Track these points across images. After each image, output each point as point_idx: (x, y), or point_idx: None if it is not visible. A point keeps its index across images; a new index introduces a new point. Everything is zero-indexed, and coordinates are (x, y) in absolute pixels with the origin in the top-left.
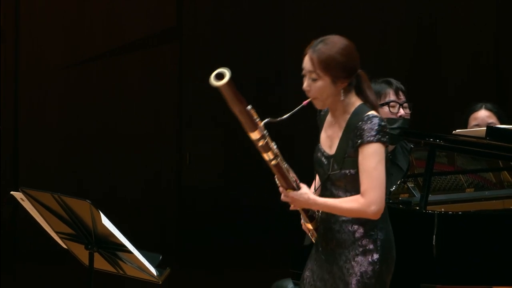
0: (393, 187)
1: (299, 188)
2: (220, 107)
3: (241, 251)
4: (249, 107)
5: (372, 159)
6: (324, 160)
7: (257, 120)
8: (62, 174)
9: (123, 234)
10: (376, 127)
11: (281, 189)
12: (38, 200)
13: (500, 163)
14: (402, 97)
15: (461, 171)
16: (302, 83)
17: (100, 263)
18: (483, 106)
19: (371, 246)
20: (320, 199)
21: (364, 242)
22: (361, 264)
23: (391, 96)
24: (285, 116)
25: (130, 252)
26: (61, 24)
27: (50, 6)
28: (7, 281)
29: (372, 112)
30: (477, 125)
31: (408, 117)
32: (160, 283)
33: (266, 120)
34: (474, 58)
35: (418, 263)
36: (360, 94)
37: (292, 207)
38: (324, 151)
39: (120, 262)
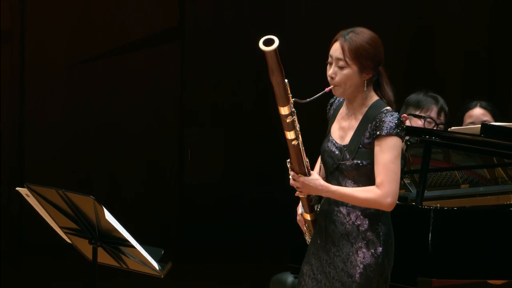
0: None
1: (309, 174)
2: (220, 105)
3: (241, 246)
4: (286, 80)
5: (390, 152)
6: (335, 150)
7: (290, 95)
8: (66, 171)
9: (126, 229)
10: (396, 121)
11: (292, 173)
12: (43, 196)
13: (495, 160)
14: (442, 118)
15: (456, 168)
16: (302, 82)
17: (104, 258)
18: (478, 104)
19: (375, 240)
20: (333, 186)
21: (368, 235)
22: (364, 257)
23: (433, 114)
24: (310, 99)
25: (133, 246)
26: (65, 25)
27: (55, 7)
28: (14, 273)
29: (389, 108)
30: (472, 123)
31: None
32: (162, 277)
33: (294, 99)
34: (467, 58)
35: (415, 257)
36: (378, 89)
37: (298, 193)
38: (336, 142)
39: (123, 257)
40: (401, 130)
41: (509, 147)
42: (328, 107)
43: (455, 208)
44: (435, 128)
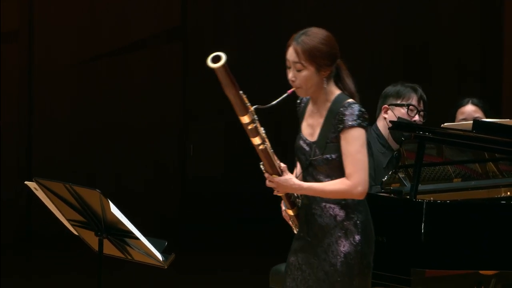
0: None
1: (283, 174)
2: (221, 101)
3: (242, 237)
4: (241, 91)
5: (355, 143)
6: (306, 147)
7: (248, 104)
8: (73, 165)
9: (130, 222)
10: (357, 113)
11: (266, 174)
12: (51, 189)
13: (486, 155)
14: (421, 105)
15: (449, 162)
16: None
17: (109, 249)
18: (470, 101)
19: (352, 228)
20: (305, 184)
21: (345, 224)
22: (344, 246)
23: (414, 101)
24: (272, 103)
25: (137, 238)
26: (72, 25)
27: (62, 8)
28: (22, 264)
29: (351, 100)
30: (464, 119)
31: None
32: (166, 267)
33: (255, 106)
34: (460, 68)
35: (408, 248)
36: (339, 82)
37: (276, 192)
38: (306, 139)
39: (128, 248)
40: (362, 120)
41: (499, 142)
42: (298, 105)
43: (448, 201)
44: (417, 115)
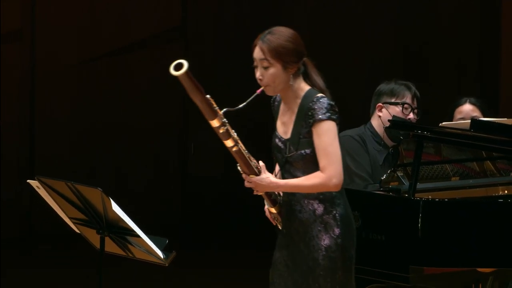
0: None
1: (260, 173)
2: (222, 101)
3: (242, 235)
4: (208, 96)
5: (326, 136)
6: (281, 144)
7: (217, 108)
8: (74, 164)
9: (132, 220)
10: (326, 106)
11: (243, 175)
12: (53, 188)
13: (484, 154)
14: (415, 103)
15: (447, 161)
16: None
17: (111, 247)
18: (468, 100)
19: (331, 222)
20: (282, 181)
21: (325, 218)
22: (324, 239)
23: (408, 99)
24: (241, 105)
25: (138, 236)
26: (73, 25)
27: (63, 9)
28: (25, 261)
29: (320, 94)
30: (462, 118)
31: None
32: (167, 265)
33: (224, 109)
34: (459, 68)
35: (407, 246)
36: (308, 79)
37: (255, 192)
38: (281, 137)
39: (129, 246)
40: (332, 113)
41: (497, 141)
42: (272, 104)
43: (446, 200)
44: (411, 113)
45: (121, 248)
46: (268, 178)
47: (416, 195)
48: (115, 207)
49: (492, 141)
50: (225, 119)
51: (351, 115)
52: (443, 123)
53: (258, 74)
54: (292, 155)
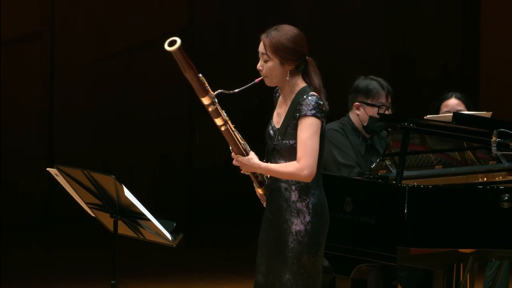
0: (373, 164)
1: (247, 154)
2: (225, 98)
3: (245, 223)
4: (200, 75)
5: (307, 131)
6: (272, 133)
7: (208, 87)
8: (90, 154)
9: (142, 205)
10: (313, 103)
11: (232, 154)
12: (70, 175)
13: (465, 144)
14: (389, 99)
15: (431, 151)
16: None
17: (123, 229)
18: (453, 95)
19: (304, 209)
20: (263, 164)
21: (298, 205)
22: (295, 224)
23: (383, 99)
24: (237, 90)
25: (148, 220)
26: (89, 26)
27: (80, 12)
28: (44, 243)
29: (312, 93)
30: (448, 112)
31: None
32: (174, 246)
33: (219, 90)
34: (443, 69)
35: (394, 229)
36: (306, 77)
37: (242, 171)
38: (274, 126)
39: (140, 229)
40: (318, 111)
41: (477, 133)
42: (274, 95)
43: (430, 186)
44: (386, 110)
45: (132, 231)
46: (253, 159)
47: (403, 182)
48: (127, 193)
49: (472, 133)
50: (215, 99)
51: (339, 112)
52: (428, 116)
53: (258, 64)
54: (279, 143)
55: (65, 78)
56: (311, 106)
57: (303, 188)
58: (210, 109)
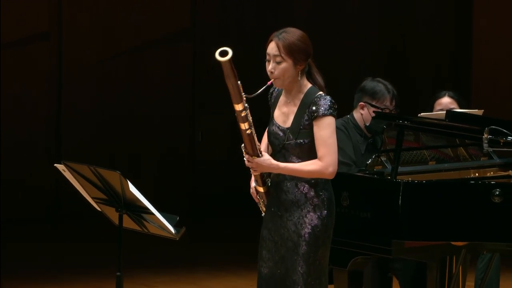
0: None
1: (262, 155)
2: (227, 96)
3: (247, 217)
4: (239, 82)
5: (327, 130)
6: (280, 132)
7: (243, 94)
8: (96, 150)
9: (146, 199)
10: (329, 103)
11: (246, 156)
12: (77, 171)
13: (457, 141)
14: (394, 103)
15: (425, 147)
16: None
17: (128, 223)
18: (446, 93)
19: (320, 204)
20: (282, 164)
21: (314, 201)
22: (312, 219)
23: (387, 102)
24: (256, 93)
25: (152, 214)
26: (95, 27)
27: (87, 13)
28: (52, 236)
29: (322, 92)
30: (441, 110)
31: None
32: (177, 239)
33: (244, 96)
34: (436, 69)
35: (390, 222)
36: (310, 78)
37: (253, 172)
38: (279, 125)
39: (145, 222)
40: (333, 110)
41: (469, 130)
42: (269, 96)
43: (423, 181)
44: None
45: (137, 224)
46: (270, 160)
47: (398, 177)
48: (132, 188)
49: (465, 130)
50: (247, 105)
51: (338, 111)
52: (422, 113)
53: (270, 67)
54: (291, 142)
55: (71, 76)
56: (327, 106)
57: (318, 183)
58: (242, 115)
